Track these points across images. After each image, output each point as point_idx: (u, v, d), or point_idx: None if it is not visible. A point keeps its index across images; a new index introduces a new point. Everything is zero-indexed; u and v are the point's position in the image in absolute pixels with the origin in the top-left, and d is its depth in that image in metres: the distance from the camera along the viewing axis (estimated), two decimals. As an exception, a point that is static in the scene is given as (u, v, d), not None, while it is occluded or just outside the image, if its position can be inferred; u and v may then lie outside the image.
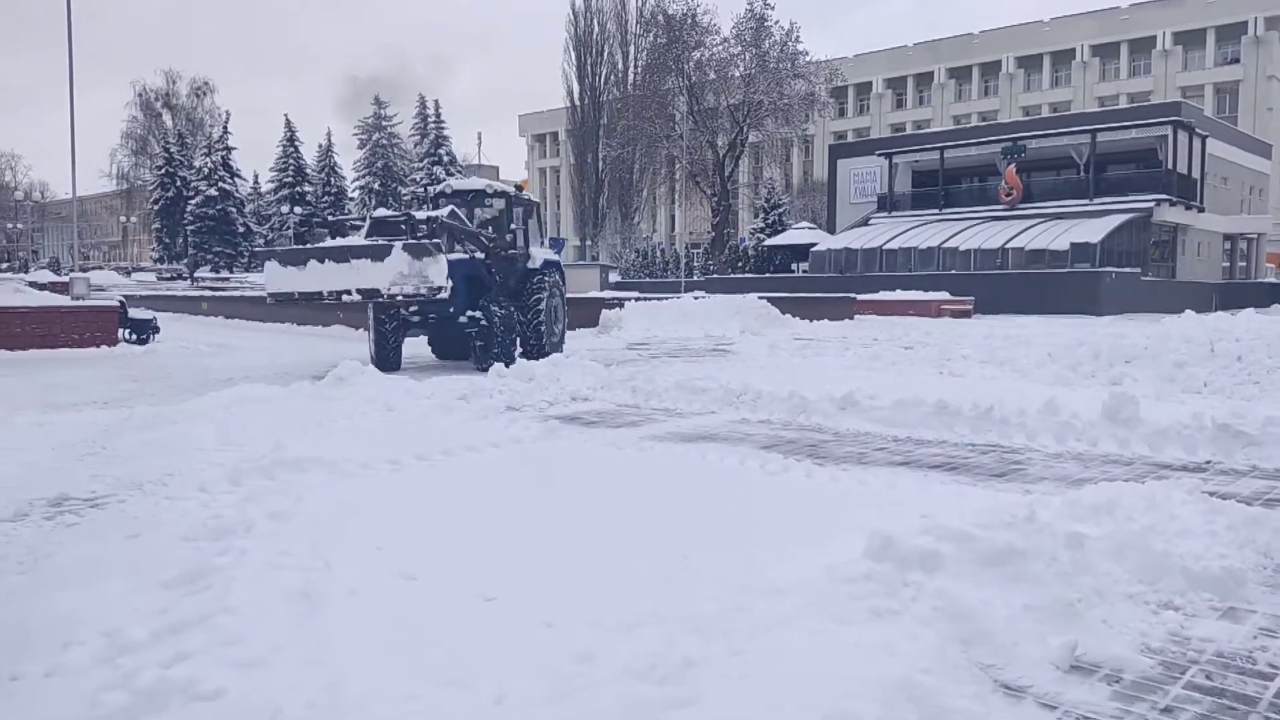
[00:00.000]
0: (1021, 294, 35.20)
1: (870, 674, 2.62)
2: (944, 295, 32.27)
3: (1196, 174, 41.85)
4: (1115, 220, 37.98)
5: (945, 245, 40.62)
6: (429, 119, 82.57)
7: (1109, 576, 3.43)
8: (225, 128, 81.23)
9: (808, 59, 48.09)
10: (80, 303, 16.76)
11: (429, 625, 3.08)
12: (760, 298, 23.77)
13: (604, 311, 21.44)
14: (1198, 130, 41.24)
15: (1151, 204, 39.12)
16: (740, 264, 52.97)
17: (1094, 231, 37.10)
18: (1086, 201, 40.32)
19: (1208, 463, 6.05)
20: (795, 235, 51.05)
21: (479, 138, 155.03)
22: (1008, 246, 38.64)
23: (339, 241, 11.82)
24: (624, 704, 2.51)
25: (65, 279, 24.71)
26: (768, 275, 46.81)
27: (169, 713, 2.47)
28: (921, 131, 58.61)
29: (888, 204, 47.56)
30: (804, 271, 46.52)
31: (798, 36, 47.38)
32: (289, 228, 74.00)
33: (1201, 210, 42.78)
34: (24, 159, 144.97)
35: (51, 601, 3.36)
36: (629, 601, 3.23)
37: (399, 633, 3.01)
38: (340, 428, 7.08)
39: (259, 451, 5.71)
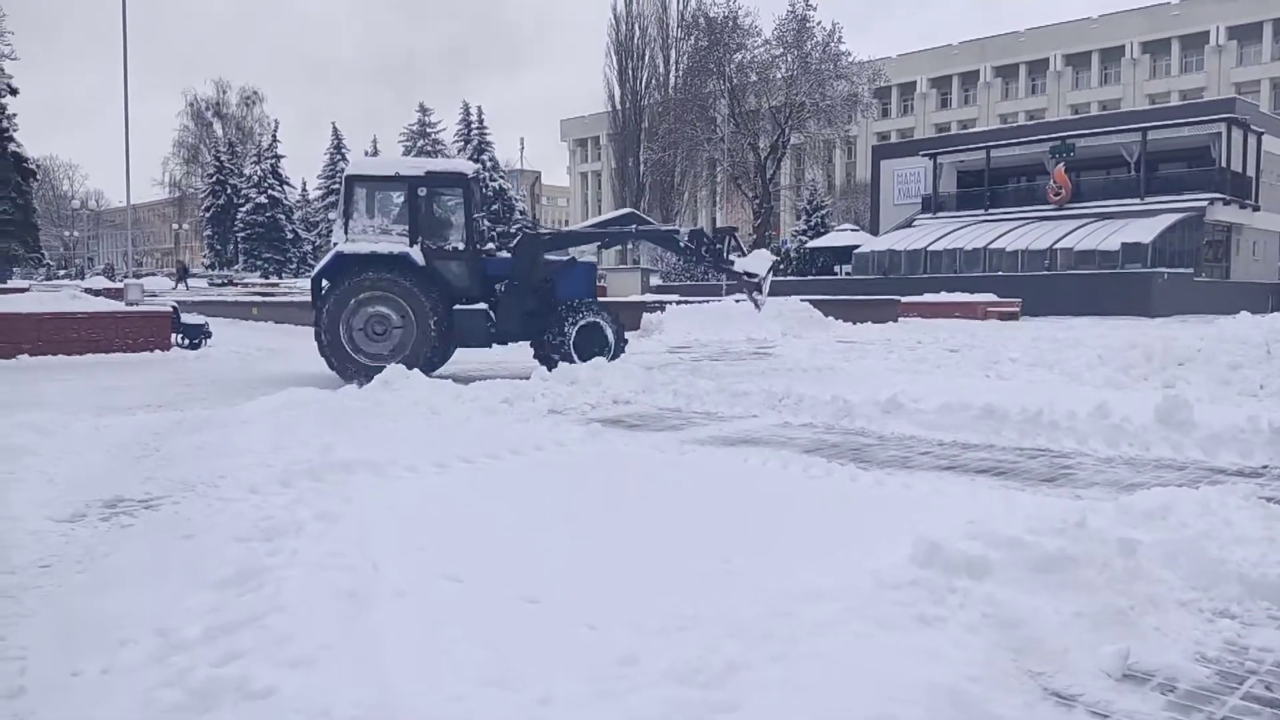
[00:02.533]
0: (1071, 295, 34.56)
1: (916, 681, 2.59)
2: (990, 297, 31.77)
3: (1252, 172, 40.81)
4: (1167, 220, 37.17)
5: (991, 246, 40.04)
6: (472, 125, 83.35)
7: (1162, 584, 3.36)
8: (274, 136, 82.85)
9: (850, 59, 47.73)
10: (134, 308, 17.16)
11: (474, 626, 3.11)
12: (802, 300, 23.62)
13: (645, 315, 21.44)
14: (1253, 127, 40.21)
15: (1205, 203, 38.23)
16: (782, 266, 52.74)
17: (1145, 231, 36.34)
18: (1137, 201, 39.51)
19: (1264, 467, 5.90)
20: (838, 237, 50.71)
21: (521, 143, 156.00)
22: (1056, 247, 37.99)
23: None
24: (667, 707, 2.51)
25: (120, 285, 25.33)
26: (810, 278, 46.51)
27: (221, 711, 2.52)
28: (967, 131, 57.87)
29: (932, 205, 47.02)
30: (847, 274, 46.13)
31: (840, 37, 47.02)
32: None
33: (1257, 209, 41.72)
34: (80, 168, 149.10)
35: (108, 600, 3.45)
36: (671, 605, 3.23)
37: (444, 633, 3.04)
38: (386, 430, 7.17)
39: (308, 454, 5.80)
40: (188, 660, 2.81)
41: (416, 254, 11.35)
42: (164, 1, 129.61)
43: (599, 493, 5.20)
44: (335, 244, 11.45)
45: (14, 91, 51.93)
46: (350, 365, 11.07)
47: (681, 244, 12.70)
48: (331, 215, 77.15)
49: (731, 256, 12.97)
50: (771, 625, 3.00)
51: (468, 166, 12.35)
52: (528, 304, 11.96)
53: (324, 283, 11.54)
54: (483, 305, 11.80)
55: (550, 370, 10.47)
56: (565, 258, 12.78)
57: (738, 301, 18.98)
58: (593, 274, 13.00)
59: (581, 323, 11.84)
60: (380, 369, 10.14)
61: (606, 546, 4.06)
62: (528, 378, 9.84)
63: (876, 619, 3.01)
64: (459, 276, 11.71)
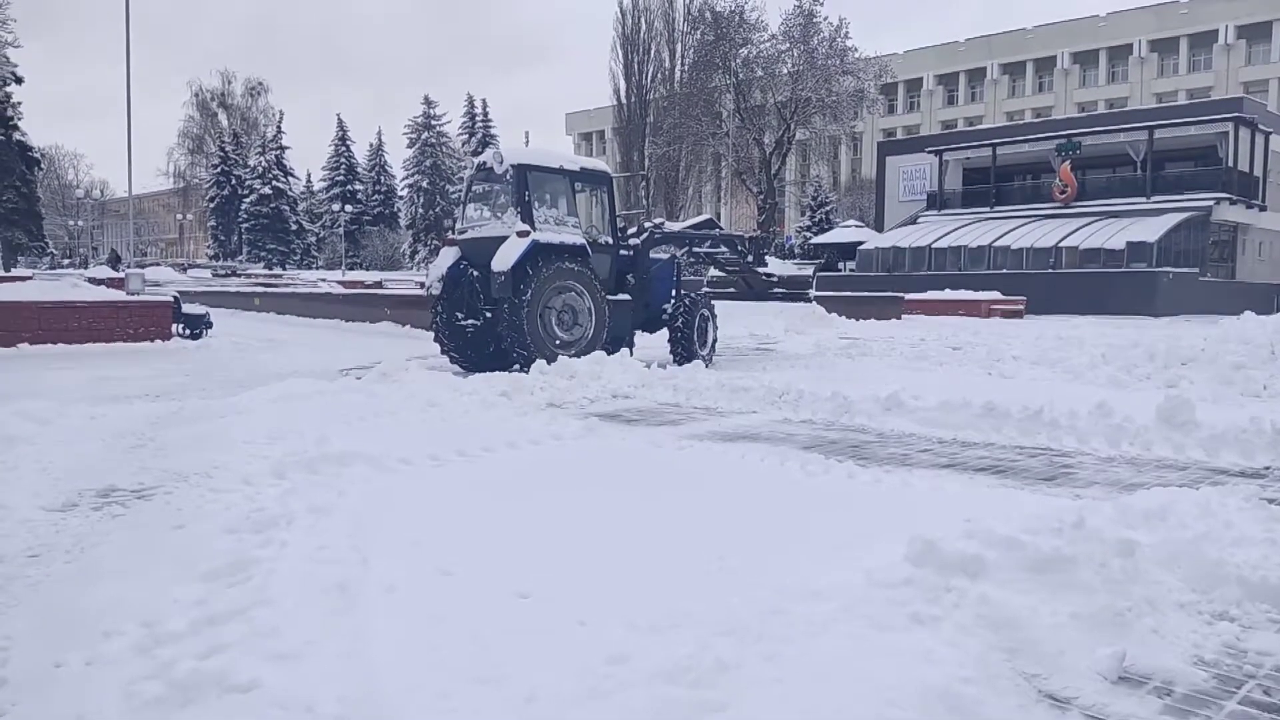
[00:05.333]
0: (1075, 294, 34.49)
1: (910, 682, 2.55)
2: (995, 295, 31.65)
3: (1259, 172, 40.64)
4: (1173, 219, 37.04)
5: (996, 244, 39.94)
6: (477, 118, 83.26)
7: (1161, 585, 3.32)
8: (279, 127, 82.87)
9: (857, 55, 47.58)
10: (135, 298, 17.15)
11: (463, 621, 3.07)
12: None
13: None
14: (1260, 126, 40.04)
15: (1211, 202, 38.10)
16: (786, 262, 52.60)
17: (1151, 230, 36.23)
18: (1143, 200, 39.37)
19: (1266, 469, 5.85)
20: (842, 234, 50.59)
21: (526, 137, 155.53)
22: (1061, 245, 37.88)
23: None
24: (656, 706, 2.48)
25: (122, 275, 25.32)
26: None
27: (202, 704, 2.49)
28: (973, 128, 57.69)
29: (937, 202, 46.89)
30: (851, 270, 46.06)
31: (847, 32, 46.84)
32: (339, 225, 75.21)
33: (1263, 209, 41.56)
34: (85, 158, 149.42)
35: (95, 591, 3.42)
36: (663, 602, 3.20)
37: (433, 628, 3.01)
38: (383, 423, 7.15)
39: (303, 445, 5.77)
40: (171, 653, 2.78)
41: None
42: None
43: (594, 488, 5.17)
44: (526, 231, 10.97)
45: (19, 80, 51.92)
46: (546, 351, 10.89)
47: (739, 247, 15.20)
48: (335, 207, 77.10)
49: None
50: (765, 624, 2.96)
51: (605, 165, 13.06)
52: (645, 297, 12.71)
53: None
54: (627, 297, 12.33)
55: (682, 364, 11.40)
56: (665, 255, 13.50)
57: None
58: (680, 270, 13.81)
59: (698, 318, 12.80)
60: (572, 355, 10.49)
61: (600, 542, 4.03)
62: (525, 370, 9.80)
63: (870, 618, 2.97)
64: (604, 269, 12.08)
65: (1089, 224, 38.77)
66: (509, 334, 11.02)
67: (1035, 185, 43.90)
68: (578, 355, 10.50)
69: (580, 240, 11.56)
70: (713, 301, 13.68)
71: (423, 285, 12.66)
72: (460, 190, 12.90)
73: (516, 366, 10.64)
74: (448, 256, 11.84)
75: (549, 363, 9.91)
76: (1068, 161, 41.21)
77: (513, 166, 11.34)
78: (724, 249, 15.33)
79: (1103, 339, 15.11)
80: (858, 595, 3.13)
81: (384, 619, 3.08)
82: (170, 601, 3.21)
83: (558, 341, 11.24)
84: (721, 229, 16.95)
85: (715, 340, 13.40)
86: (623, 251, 12.60)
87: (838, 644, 2.80)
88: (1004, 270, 38.05)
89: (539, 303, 11.03)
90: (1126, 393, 9.20)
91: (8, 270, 47.71)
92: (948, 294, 31.81)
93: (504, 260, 10.84)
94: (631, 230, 13.50)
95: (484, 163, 11.83)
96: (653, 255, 13.08)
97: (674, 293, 13.15)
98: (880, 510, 4.62)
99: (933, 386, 8.98)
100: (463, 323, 11.65)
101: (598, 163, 12.97)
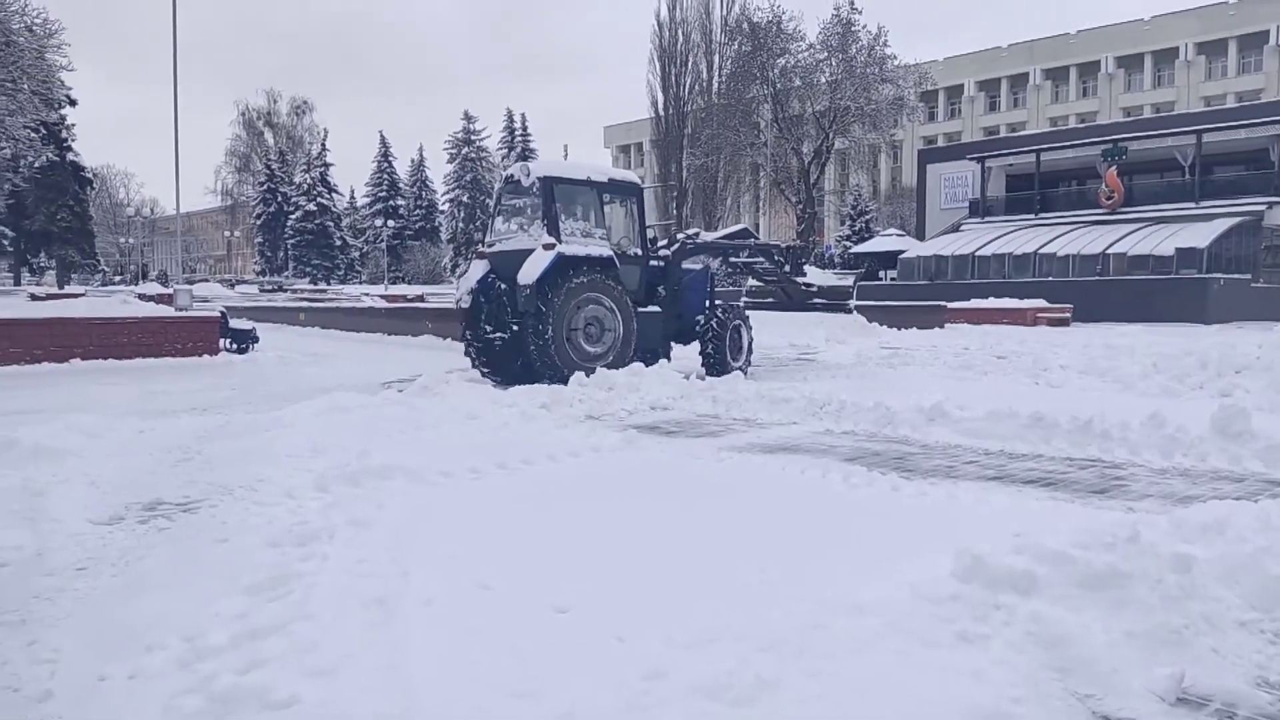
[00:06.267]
0: (1123, 301, 33.81)
1: (957, 701, 2.49)
2: (1040, 303, 31.14)
3: (1313, 175, 39.63)
4: (1223, 224, 36.21)
5: (1042, 251, 39.31)
6: (516, 132, 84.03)
7: (1219, 602, 3.20)
8: (323, 145, 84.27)
9: (896, 63, 47.23)
10: (184, 314, 17.47)
11: (501, 636, 3.05)
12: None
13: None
14: (1314, 128, 39.04)
15: (1263, 207, 37.18)
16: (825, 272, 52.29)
17: (1201, 236, 35.45)
18: (1192, 205, 38.55)
19: (1329, 480, 5.66)
20: (883, 242, 50.18)
21: (565, 150, 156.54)
22: (1109, 252, 37.19)
23: None
24: (694, 724, 2.44)
25: (171, 291, 25.84)
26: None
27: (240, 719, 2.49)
28: (1016, 134, 56.96)
29: (980, 209, 46.29)
30: (892, 279, 45.62)
31: (885, 40, 46.55)
32: (382, 240, 76.20)
33: (1319, 213, 40.50)
34: (136, 176, 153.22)
35: (140, 604, 3.46)
36: (702, 617, 3.15)
37: (471, 643, 2.99)
38: (424, 436, 7.18)
39: (345, 459, 5.81)
40: (212, 667, 2.80)
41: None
42: (224, 17, 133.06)
43: (633, 500, 5.13)
44: (552, 244, 10.93)
45: (72, 103, 53.29)
46: (571, 364, 10.82)
47: (775, 257, 15.24)
48: (378, 222, 78.12)
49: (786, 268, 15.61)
50: (806, 639, 2.90)
51: (635, 175, 12.98)
52: (678, 308, 12.72)
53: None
54: (657, 309, 12.35)
55: (715, 375, 11.30)
56: (698, 266, 13.51)
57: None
58: (713, 281, 13.85)
59: (730, 328, 12.79)
60: (594, 370, 10.33)
61: (639, 555, 3.99)
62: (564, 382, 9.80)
63: (916, 635, 2.90)
64: (633, 280, 12.03)
65: (1137, 230, 38.03)
66: (534, 346, 11.01)
67: (1081, 191, 43.17)
68: (606, 368, 10.41)
69: (607, 252, 11.47)
70: (747, 312, 13.63)
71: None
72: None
73: (545, 379, 10.61)
74: (478, 269, 11.84)
75: (586, 375, 9.88)
76: (1114, 167, 40.49)
77: (539, 179, 11.36)
78: (761, 259, 15.30)
79: (1153, 347, 14.78)
80: (903, 611, 3.06)
81: (422, 632, 3.07)
82: (212, 615, 3.23)
83: (586, 355, 11.16)
84: (756, 238, 16.91)
85: (750, 351, 13.34)
86: (653, 262, 12.55)
87: (882, 661, 2.74)
88: (1049, 278, 37.45)
89: (565, 315, 10.98)
90: (1179, 402, 8.97)
91: (61, 288, 48.94)
92: (991, 302, 31.36)
93: (529, 273, 10.85)
94: (663, 241, 13.45)
95: (512, 175, 11.89)
96: (685, 266, 13.03)
97: (707, 304, 13.09)
98: (925, 524, 4.53)
99: (978, 396, 8.83)
100: (490, 335, 11.65)
101: (627, 174, 12.89)
